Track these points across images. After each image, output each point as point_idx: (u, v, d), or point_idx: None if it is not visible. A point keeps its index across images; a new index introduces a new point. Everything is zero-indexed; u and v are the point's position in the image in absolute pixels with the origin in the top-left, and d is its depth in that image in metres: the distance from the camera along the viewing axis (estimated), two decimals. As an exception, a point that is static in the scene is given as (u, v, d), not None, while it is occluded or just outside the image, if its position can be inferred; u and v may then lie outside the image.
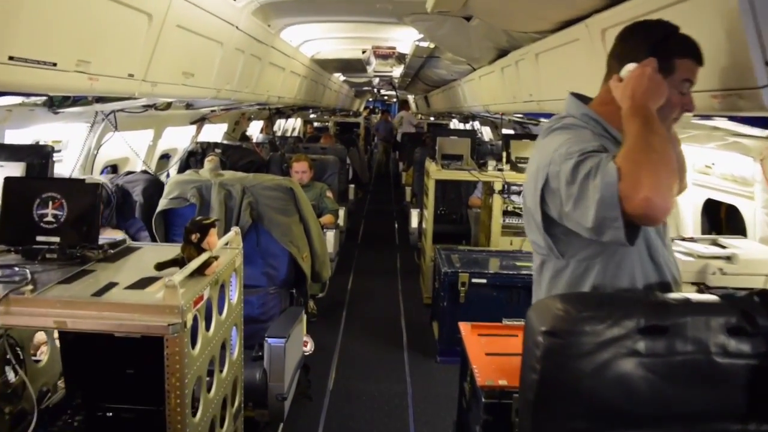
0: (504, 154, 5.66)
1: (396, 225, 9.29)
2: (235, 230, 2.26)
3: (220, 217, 3.24)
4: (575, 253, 1.62)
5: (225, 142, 6.96)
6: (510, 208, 5.41)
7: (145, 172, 3.84)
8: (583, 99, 1.73)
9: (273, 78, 5.43)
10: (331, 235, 5.37)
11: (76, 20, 2.09)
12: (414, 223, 6.70)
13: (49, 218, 2.02)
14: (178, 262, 1.84)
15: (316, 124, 13.96)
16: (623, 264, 1.58)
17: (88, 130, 3.89)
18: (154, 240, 3.40)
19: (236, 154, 6.01)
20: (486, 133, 10.78)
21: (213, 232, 1.86)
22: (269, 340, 2.86)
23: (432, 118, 15.88)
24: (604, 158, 1.41)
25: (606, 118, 1.65)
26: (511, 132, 8.63)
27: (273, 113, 9.29)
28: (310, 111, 13.37)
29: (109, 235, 3.30)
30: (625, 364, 1.39)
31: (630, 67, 1.58)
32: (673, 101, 1.57)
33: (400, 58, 7.97)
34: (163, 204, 3.33)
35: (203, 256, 1.81)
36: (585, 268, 1.61)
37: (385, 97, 24.88)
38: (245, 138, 8.31)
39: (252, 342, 3.02)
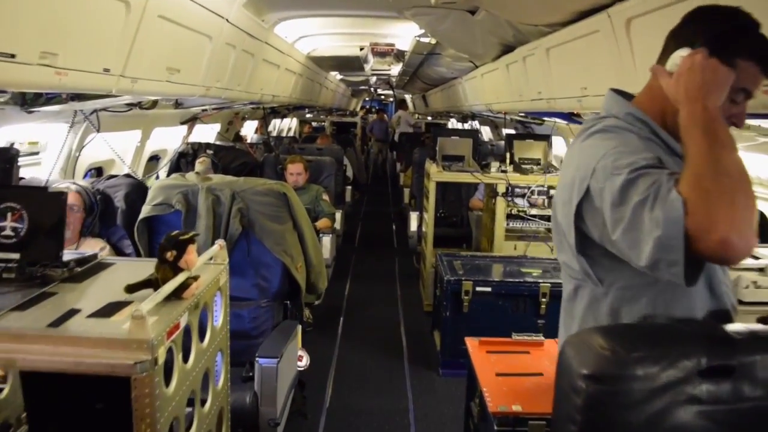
0: (507, 155, 5.43)
1: (394, 227, 9.05)
2: (219, 243, 2.01)
3: (208, 224, 3.00)
4: (617, 281, 1.37)
5: (217, 142, 6.72)
6: (514, 212, 5.17)
7: (128, 176, 3.58)
8: (624, 95, 1.47)
9: (267, 76, 5.19)
10: (327, 240, 5.13)
11: (39, 6, 1.85)
12: (413, 226, 6.46)
13: (8, 232, 1.78)
14: (153, 284, 1.60)
15: (314, 123, 13.71)
16: (677, 295, 1.33)
17: (67, 130, 3.63)
18: (137, 249, 3.16)
19: (228, 156, 5.76)
20: (486, 132, 10.55)
21: (191, 248, 1.61)
22: (260, 360, 2.61)
23: (429, 118, 15.66)
24: (664, 181, 1.15)
25: (654, 117, 1.40)
26: (512, 132, 8.43)
27: (268, 113, 9.05)
28: (306, 111, 13.14)
29: (89, 246, 3.06)
30: (683, 413, 1.15)
31: (677, 56, 1.32)
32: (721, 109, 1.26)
33: (399, 55, 7.73)
34: (145, 211, 3.08)
35: (179, 278, 1.57)
36: (630, 298, 1.35)
37: (382, 97, 24.64)
38: (239, 138, 8.06)
39: (242, 359, 2.78)
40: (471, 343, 2.82)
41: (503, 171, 5.21)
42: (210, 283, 1.78)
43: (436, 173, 5.18)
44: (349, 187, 8.09)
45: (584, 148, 1.36)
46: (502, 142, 8.76)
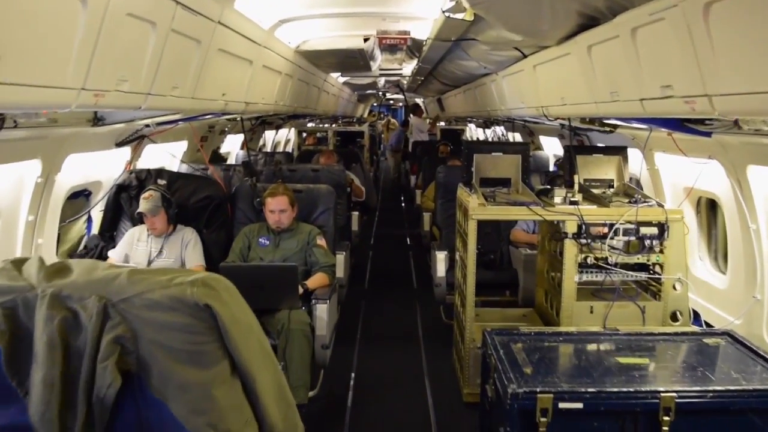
0: (576, 178, 3.85)
1: (412, 260, 7.45)
2: None
3: (51, 377, 1.45)
4: None
5: (181, 168, 5.20)
6: (590, 260, 3.60)
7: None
8: None
9: (231, 75, 3.65)
10: (324, 310, 3.56)
11: None
12: (440, 270, 4.87)
13: None
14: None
15: (319, 134, 12.13)
16: None
17: None
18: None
19: (188, 187, 4.24)
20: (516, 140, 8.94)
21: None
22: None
23: (443, 123, 14.05)
24: None
25: None
26: (558, 139, 6.84)
27: (256, 124, 7.51)
28: (308, 119, 11.58)
29: None
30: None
31: None
32: None
33: (413, 48, 6.16)
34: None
35: None
36: None
37: (391, 101, 23.10)
38: (219, 158, 6.52)
39: None
40: None
41: (573, 202, 3.63)
42: None
43: (477, 209, 3.60)
44: (356, 213, 6.55)
45: None
46: (543, 155, 7.19)
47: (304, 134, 11.09)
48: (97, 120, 3.27)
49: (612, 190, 4.22)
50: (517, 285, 4.90)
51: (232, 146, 7.65)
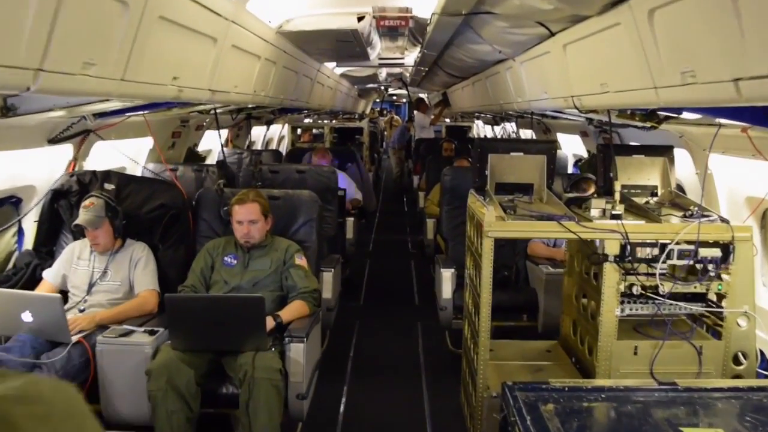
0: (616, 186, 3.10)
1: (414, 271, 6.70)
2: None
3: None
4: None
5: (132, 171, 4.47)
6: (636, 289, 2.84)
7: None
8: None
9: (184, 54, 2.90)
10: (300, 351, 2.82)
11: None
12: (446, 290, 4.13)
13: None
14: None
15: (315, 131, 11.38)
16: None
17: None
18: None
19: (141, 193, 3.50)
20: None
21: None
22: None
23: (447, 120, 13.29)
24: None
25: None
26: (574, 138, 6.06)
27: (239, 118, 6.77)
28: (304, 114, 10.82)
29: None
30: None
31: None
32: None
33: (416, 32, 5.41)
34: None
35: None
36: None
37: (394, 97, 22.33)
38: (194, 157, 5.79)
39: None
40: None
41: (615, 216, 2.86)
42: None
43: (493, 224, 2.83)
44: (351, 219, 5.81)
45: None
46: (562, 155, 6.43)
47: (299, 130, 10.33)
48: (6, 109, 2.53)
49: (655, 199, 3.46)
50: (535, 308, 4.15)
51: (215, 143, 6.90)
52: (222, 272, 3.21)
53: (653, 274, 2.83)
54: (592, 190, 4.32)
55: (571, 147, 6.44)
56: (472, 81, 7.03)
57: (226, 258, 3.26)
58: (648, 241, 2.85)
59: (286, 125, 9.95)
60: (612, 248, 2.83)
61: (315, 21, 4.32)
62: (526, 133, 8.43)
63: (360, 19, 4.40)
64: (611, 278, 2.84)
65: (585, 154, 5.96)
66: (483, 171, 3.41)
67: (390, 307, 5.56)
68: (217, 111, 4.90)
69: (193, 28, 2.91)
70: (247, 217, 3.18)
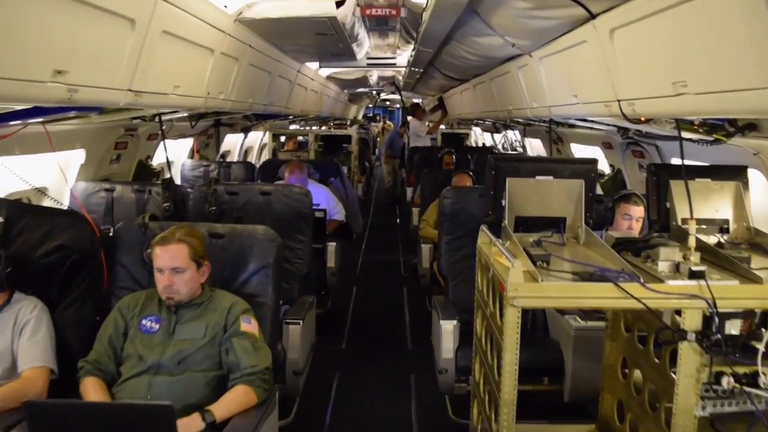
0: (690, 226, 2.22)
1: (407, 305, 5.79)
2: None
3: None
4: None
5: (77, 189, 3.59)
6: (727, 381, 1.97)
7: None
8: None
9: (74, 38, 2.00)
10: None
11: None
12: (446, 348, 3.23)
13: None
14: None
15: (301, 138, 10.45)
16: None
17: None
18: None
19: (38, 229, 2.59)
20: (537, 150, 7.32)
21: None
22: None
23: (443, 126, 12.38)
24: None
25: None
26: (586, 154, 5.18)
27: (207, 126, 5.88)
28: (290, 120, 9.91)
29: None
30: None
31: None
32: None
33: (409, 25, 4.56)
34: None
35: None
36: None
37: (387, 103, 21.48)
38: (147, 172, 4.88)
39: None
40: None
41: (695, 275, 1.97)
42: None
43: (520, 288, 1.93)
44: (333, 244, 4.93)
45: None
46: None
47: (283, 138, 9.43)
48: None
49: (726, 237, 2.60)
50: (559, 368, 3.26)
51: (181, 153, 6.00)
52: (137, 343, 2.31)
53: (752, 357, 1.94)
54: (637, 219, 3.45)
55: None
56: (473, 84, 6.17)
57: (144, 321, 2.36)
58: (740, 310, 1.97)
59: (268, 133, 9.04)
60: (692, 320, 1.95)
61: (282, 6, 3.44)
62: (534, 143, 7.58)
63: (339, 4, 3.51)
64: (690, 363, 1.96)
65: (607, 170, 5.10)
66: (499, 200, 2.53)
67: (378, 353, 4.65)
68: (170, 117, 4.01)
69: (93, 3, 2.02)
70: (169, 264, 2.29)
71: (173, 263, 2.29)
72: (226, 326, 2.35)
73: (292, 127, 10.74)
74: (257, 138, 8.92)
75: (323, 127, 12.71)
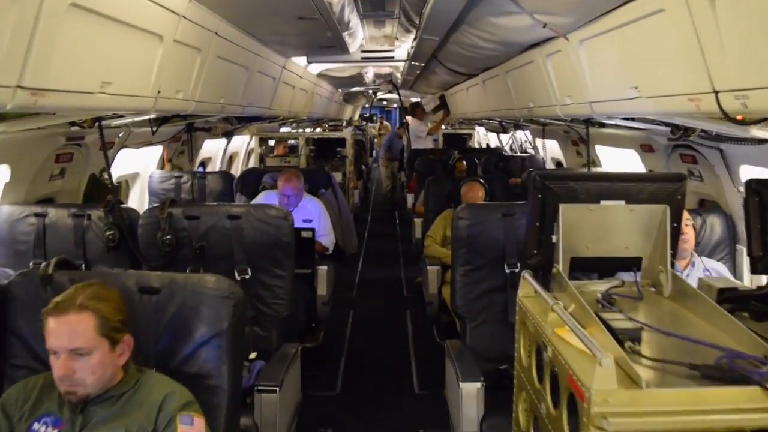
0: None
1: (411, 338, 5.00)
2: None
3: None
4: None
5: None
6: None
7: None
8: None
9: None
10: None
11: None
12: (468, 419, 2.48)
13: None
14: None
15: (292, 141, 9.67)
16: None
17: None
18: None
19: None
20: (553, 153, 6.55)
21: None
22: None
23: (444, 126, 11.56)
24: None
25: None
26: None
27: (180, 131, 5.12)
28: (280, 123, 9.11)
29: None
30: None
31: None
32: None
33: (412, 7, 3.82)
34: None
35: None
36: None
37: (384, 102, 20.70)
38: (101, 188, 4.10)
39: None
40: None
41: None
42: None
43: (615, 400, 1.18)
44: (324, 268, 4.20)
45: None
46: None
47: (272, 142, 8.65)
48: None
49: None
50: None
51: (150, 164, 5.22)
52: (24, 461, 1.56)
53: None
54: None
55: (619, 165, 4.83)
56: (482, 79, 5.41)
57: (36, 426, 1.61)
58: None
59: (255, 137, 8.27)
60: None
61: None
62: (549, 145, 6.82)
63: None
64: None
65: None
66: (547, 234, 1.78)
67: (378, 399, 3.90)
68: (124, 122, 3.26)
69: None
70: (65, 344, 1.54)
71: (72, 342, 1.54)
72: (156, 428, 1.60)
73: (283, 129, 9.97)
74: (243, 143, 8.16)
75: (318, 129, 11.94)
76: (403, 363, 4.47)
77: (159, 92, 2.83)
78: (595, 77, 2.72)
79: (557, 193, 1.73)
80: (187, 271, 2.89)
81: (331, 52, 5.03)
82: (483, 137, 11.72)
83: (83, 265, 3.04)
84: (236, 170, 7.52)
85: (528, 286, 1.80)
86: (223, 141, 7.02)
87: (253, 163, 8.36)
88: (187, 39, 2.91)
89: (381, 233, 9.41)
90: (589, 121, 3.73)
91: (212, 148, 6.75)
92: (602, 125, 4.10)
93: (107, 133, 3.96)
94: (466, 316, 3.00)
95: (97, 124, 2.99)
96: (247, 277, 2.89)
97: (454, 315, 3.23)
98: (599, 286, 1.84)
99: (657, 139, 3.82)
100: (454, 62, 5.23)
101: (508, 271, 2.94)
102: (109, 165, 2.95)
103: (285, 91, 5.91)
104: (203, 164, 6.74)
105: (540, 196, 1.76)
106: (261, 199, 4.53)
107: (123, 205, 3.18)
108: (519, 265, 2.94)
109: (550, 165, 6.74)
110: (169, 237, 2.85)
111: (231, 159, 7.87)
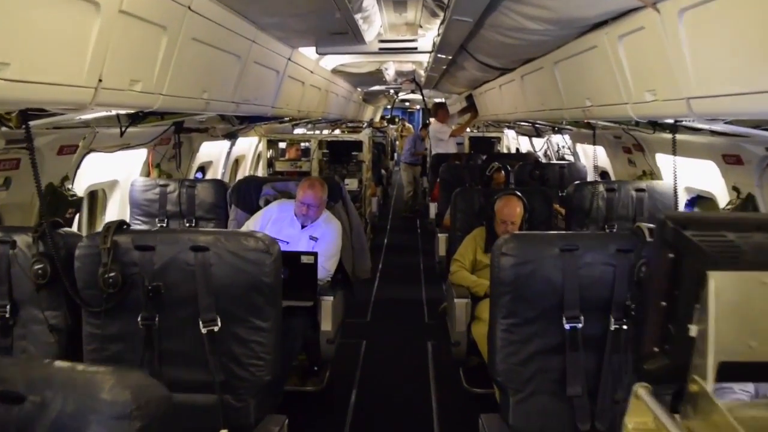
0: None
1: (433, 387, 4.18)
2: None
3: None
4: None
5: None
6: None
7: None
8: None
9: None
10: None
11: None
12: None
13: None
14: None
15: (304, 144, 8.86)
16: None
17: None
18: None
19: None
20: (600, 160, 5.69)
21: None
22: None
23: (468, 129, 10.70)
24: None
25: None
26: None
27: (165, 132, 4.40)
28: (293, 124, 8.37)
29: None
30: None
31: None
32: None
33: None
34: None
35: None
36: None
37: (407, 103, 19.92)
38: (61, 202, 3.41)
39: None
40: None
41: None
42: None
43: None
44: (330, 299, 3.48)
45: None
46: (668, 194, 3.89)
47: (283, 145, 7.91)
48: None
49: None
50: None
51: (132, 171, 4.52)
52: None
53: None
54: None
55: (687, 176, 3.99)
56: (520, 73, 4.62)
57: None
58: None
59: (264, 140, 7.57)
60: None
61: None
62: (591, 151, 5.97)
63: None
64: None
65: (722, 195, 3.52)
66: (682, 323, 1.00)
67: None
68: (85, 118, 2.55)
69: None
70: None
71: None
72: None
73: (298, 131, 9.24)
74: (251, 145, 7.46)
75: (336, 131, 11.20)
76: (424, 413, 3.68)
77: (100, 81, 2.11)
78: (700, 64, 1.92)
79: (705, 252, 0.96)
80: (138, 319, 2.18)
81: (343, 41, 4.29)
82: (512, 141, 10.87)
83: (7, 307, 2.34)
84: (243, 176, 6.83)
85: (644, 411, 1.03)
86: (226, 143, 6.33)
87: (261, 168, 7.65)
88: (140, 11, 2.19)
89: (400, 244, 8.65)
90: (675, 125, 2.91)
91: (213, 152, 6.04)
92: (674, 129, 3.27)
93: (69, 135, 3.29)
94: (509, 385, 2.22)
95: (24, 123, 2.26)
96: (215, 329, 2.15)
97: (494, 383, 2.45)
98: (762, 408, 1.07)
99: (750, 148, 3.01)
100: (487, 54, 4.45)
101: (567, 326, 2.17)
102: (38, 176, 2.23)
103: (292, 87, 5.19)
104: (202, 170, 6.06)
105: (672, 256, 0.99)
106: (274, 211, 3.83)
107: (63, 229, 2.46)
108: (582, 318, 2.18)
109: (591, 176, 5.91)
110: (113, 275, 2.13)
111: (237, 163, 7.18)
